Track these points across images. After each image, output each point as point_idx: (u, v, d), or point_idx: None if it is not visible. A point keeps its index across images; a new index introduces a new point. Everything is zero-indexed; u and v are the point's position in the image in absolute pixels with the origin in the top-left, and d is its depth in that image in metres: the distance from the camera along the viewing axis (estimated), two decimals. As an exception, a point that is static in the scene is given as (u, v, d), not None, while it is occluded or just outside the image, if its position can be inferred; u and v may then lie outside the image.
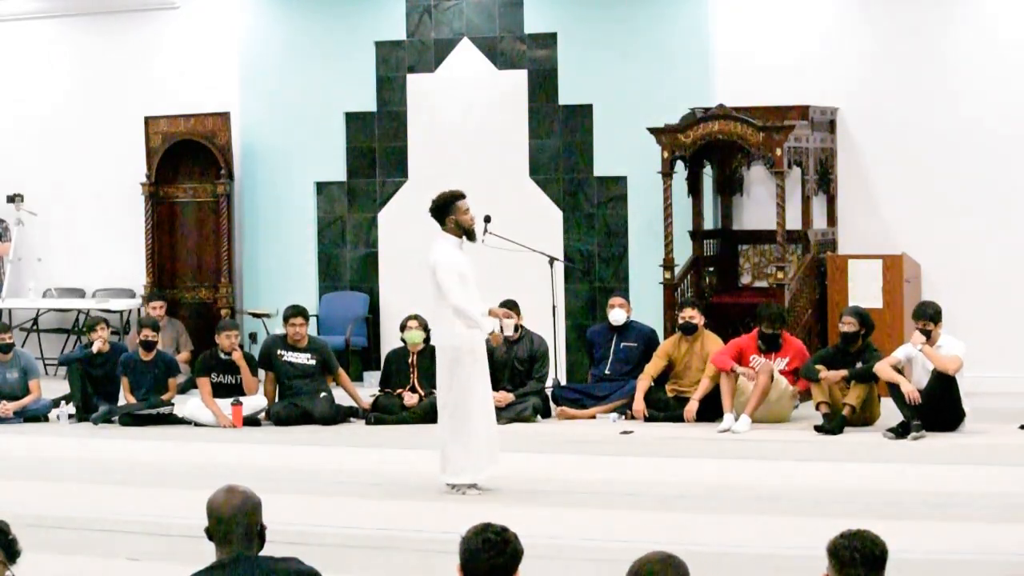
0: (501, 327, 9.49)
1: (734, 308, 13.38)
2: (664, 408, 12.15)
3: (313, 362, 12.67)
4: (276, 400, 12.68)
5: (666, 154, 13.17)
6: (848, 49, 13.81)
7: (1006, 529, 7.87)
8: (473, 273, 9.17)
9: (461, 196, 9.22)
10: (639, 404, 12.11)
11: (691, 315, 12.30)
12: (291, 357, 12.66)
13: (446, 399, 9.16)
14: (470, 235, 9.20)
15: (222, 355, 12.63)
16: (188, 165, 15.72)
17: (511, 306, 12.31)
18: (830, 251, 13.50)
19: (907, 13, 13.68)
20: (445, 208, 9.16)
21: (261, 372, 12.86)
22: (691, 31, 14.15)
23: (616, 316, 12.68)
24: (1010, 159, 13.36)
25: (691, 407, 11.90)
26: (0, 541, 4.53)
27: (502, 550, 4.10)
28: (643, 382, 12.22)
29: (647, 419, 12.07)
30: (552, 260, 13.44)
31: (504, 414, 12.00)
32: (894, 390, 11.07)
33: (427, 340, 12.21)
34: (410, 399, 12.43)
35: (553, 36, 14.65)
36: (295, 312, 12.79)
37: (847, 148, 13.79)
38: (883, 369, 11.23)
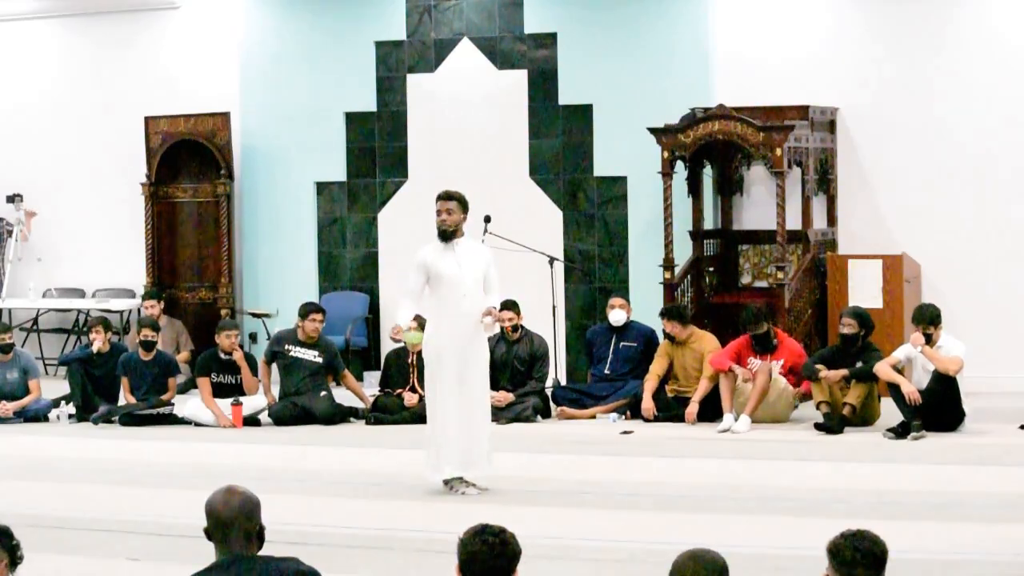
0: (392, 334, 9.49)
1: (734, 308, 13.37)
2: (664, 408, 12.15)
3: (320, 360, 12.68)
4: (272, 393, 12.69)
5: (666, 154, 13.17)
6: (848, 49, 13.81)
7: (1006, 529, 7.87)
8: (465, 272, 9.12)
9: (441, 196, 9.23)
10: (647, 403, 12.09)
11: (663, 326, 12.33)
12: (298, 352, 12.66)
13: None
14: (441, 235, 9.21)
15: (222, 355, 12.63)
16: (188, 165, 15.73)
17: (511, 306, 12.32)
18: (830, 251, 13.50)
19: (907, 13, 13.67)
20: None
21: (261, 370, 12.86)
22: (691, 31, 14.15)
23: (616, 317, 12.67)
24: (1010, 159, 13.36)
25: (691, 410, 11.89)
26: (4, 544, 4.53)
27: (501, 552, 4.10)
28: (650, 382, 12.20)
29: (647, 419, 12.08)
30: (552, 260, 13.44)
31: (504, 414, 12.02)
32: (894, 390, 11.07)
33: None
34: (410, 399, 12.42)
35: (553, 36, 14.64)
36: (315, 308, 12.82)
37: (847, 148, 13.79)
38: (883, 369, 11.23)
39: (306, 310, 12.81)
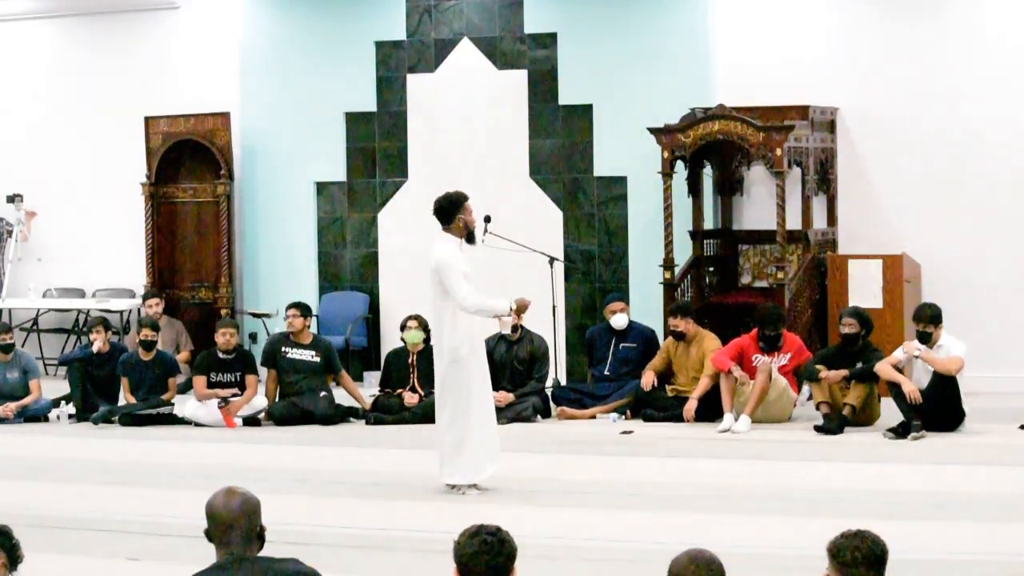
0: (517, 308, 9.47)
1: (734, 308, 13.38)
2: (664, 408, 12.16)
3: (317, 360, 12.69)
4: (276, 398, 12.70)
5: (666, 154, 13.18)
6: (848, 49, 13.81)
7: (1006, 529, 7.87)
8: (472, 274, 9.17)
9: (467, 197, 9.25)
10: (648, 378, 12.21)
11: (674, 324, 12.36)
12: (295, 354, 12.67)
13: (445, 400, 9.15)
14: (471, 237, 9.21)
15: (220, 354, 12.64)
16: (188, 165, 15.74)
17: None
18: (830, 251, 13.50)
19: (906, 14, 13.68)
20: (453, 207, 9.13)
21: (263, 371, 12.87)
22: (691, 31, 14.15)
23: (618, 322, 12.69)
24: (1010, 159, 13.36)
25: (690, 406, 11.90)
26: (4, 544, 4.53)
27: (500, 550, 4.11)
28: (648, 373, 12.32)
29: (647, 419, 12.07)
30: (552, 260, 13.45)
31: (504, 414, 12.01)
32: (894, 390, 11.06)
33: (427, 340, 12.21)
34: (410, 399, 12.43)
35: (553, 36, 14.65)
36: (290, 305, 12.87)
37: (847, 148, 13.79)
38: (884, 369, 11.23)
39: (285, 308, 12.88)
